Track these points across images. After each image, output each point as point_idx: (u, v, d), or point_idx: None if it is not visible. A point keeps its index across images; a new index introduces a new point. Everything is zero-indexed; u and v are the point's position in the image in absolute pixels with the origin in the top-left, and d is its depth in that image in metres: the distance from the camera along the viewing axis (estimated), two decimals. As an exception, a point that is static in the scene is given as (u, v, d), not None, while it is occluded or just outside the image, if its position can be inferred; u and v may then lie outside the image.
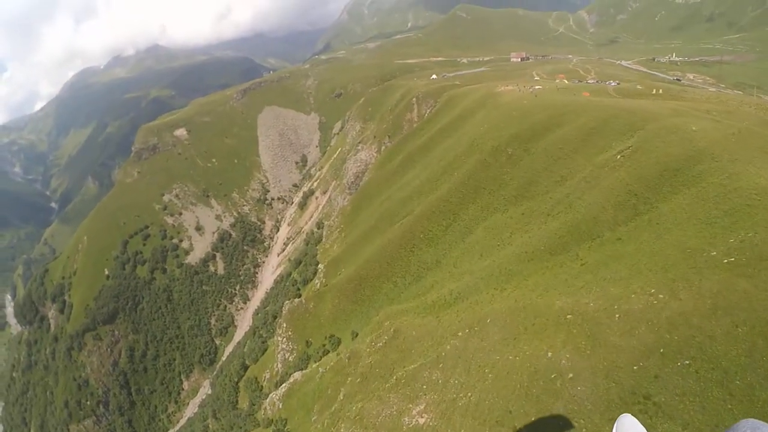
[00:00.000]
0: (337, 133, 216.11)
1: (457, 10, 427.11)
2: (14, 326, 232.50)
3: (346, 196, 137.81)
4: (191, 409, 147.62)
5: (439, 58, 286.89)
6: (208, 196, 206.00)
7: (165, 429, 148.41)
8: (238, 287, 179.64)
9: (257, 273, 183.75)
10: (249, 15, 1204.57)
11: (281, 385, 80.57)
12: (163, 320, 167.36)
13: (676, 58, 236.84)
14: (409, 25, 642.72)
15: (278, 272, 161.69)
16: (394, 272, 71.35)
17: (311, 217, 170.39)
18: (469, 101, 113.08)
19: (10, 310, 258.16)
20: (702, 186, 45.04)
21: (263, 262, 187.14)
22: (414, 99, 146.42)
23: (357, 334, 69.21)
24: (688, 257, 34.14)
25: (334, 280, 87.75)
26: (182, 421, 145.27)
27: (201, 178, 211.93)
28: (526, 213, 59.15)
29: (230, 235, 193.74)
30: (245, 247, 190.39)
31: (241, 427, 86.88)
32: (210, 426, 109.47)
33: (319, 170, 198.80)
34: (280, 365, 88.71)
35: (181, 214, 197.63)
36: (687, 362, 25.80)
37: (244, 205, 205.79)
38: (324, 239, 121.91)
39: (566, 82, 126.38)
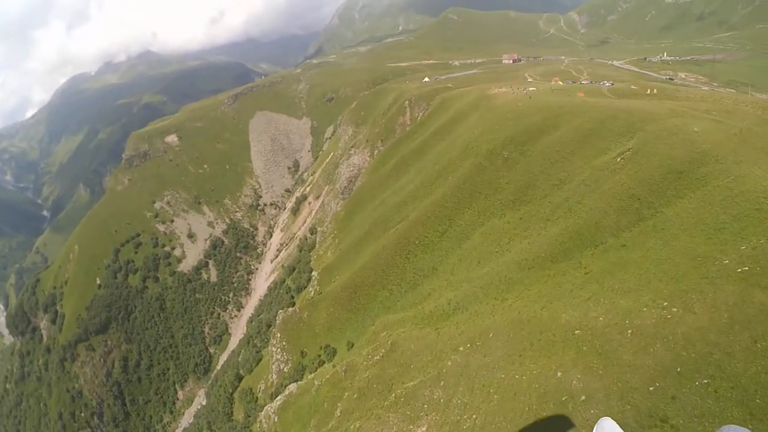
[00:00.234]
0: (330, 138, 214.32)
1: (448, 13, 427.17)
2: (7, 336, 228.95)
3: (339, 201, 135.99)
4: (187, 419, 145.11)
5: (431, 61, 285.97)
6: (199, 202, 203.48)
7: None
8: (231, 295, 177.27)
9: (251, 280, 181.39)
10: (241, 20, 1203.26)
11: (276, 397, 78.35)
12: (157, 329, 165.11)
13: (668, 58, 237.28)
14: (400, 28, 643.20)
15: (272, 279, 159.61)
16: (390, 280, 69.49)
17: (304, 222, 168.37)
18: (462, 104, 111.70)
19: (2, 320, 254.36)
20: (707, 189, 43.60)
21: (256, 269, 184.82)
22: (406, 102, 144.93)
23: (353, 345, 67.27)
24: (699, 266, 32.57)
25: (328, 287, 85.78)
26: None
27: (192, 185, 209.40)
28: (524, 218, 57.55)
29: (223, 241, 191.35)
30: (238, 254, 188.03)
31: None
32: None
33: (312, 175, 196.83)
34: (275, 376, 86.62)
35: (172, 221, 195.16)
36: (705, 381, 24.16)
37: (236, 212, 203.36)
38: (317, 245, 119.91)
39: (561, 83, 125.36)
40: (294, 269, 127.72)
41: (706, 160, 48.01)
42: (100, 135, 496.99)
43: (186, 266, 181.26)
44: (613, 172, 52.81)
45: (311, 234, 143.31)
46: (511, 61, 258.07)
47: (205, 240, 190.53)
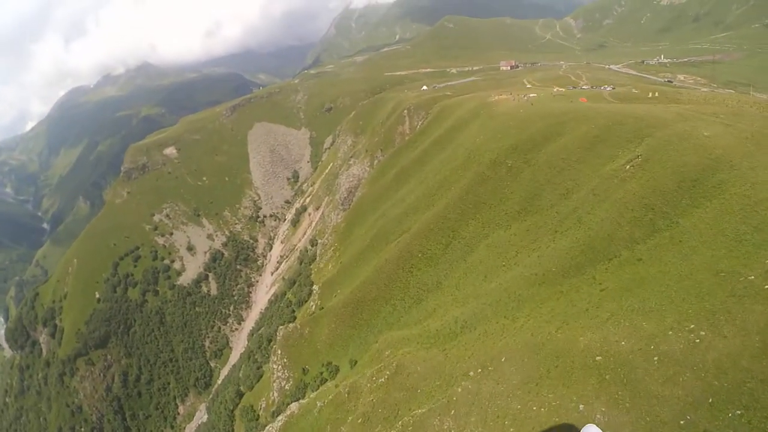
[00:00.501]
0: (329, 148, 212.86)
1: (443, 21, 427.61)
2: (7, 349, 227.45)
3: (340, 212, 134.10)
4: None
5: (429, 69, 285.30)
6: (199, 215, 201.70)
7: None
8: (232, 308, 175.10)
9: (251, 293, 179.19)
10: (238, 31, 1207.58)
11: (278, 415, 76.03)
12: (157, 343, 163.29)
13: (665, 60, 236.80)
14: (397, 37, 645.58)
15: (272, 291, 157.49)
16: (393, 294, 67.30)
17: (304, 234, 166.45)
18: (462, 112, 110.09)
19: (2, 333, 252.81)
20: (724, 198, 41.73)
21: (257, 281, 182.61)
22: (405, 111, 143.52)
23: (356, 362, 65.01)
24: (724, 282, 30.59)
25: (329, 302, 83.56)
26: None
27: (191, 197, 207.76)
28: (531, 229, 55.51)
29: (222, 254, 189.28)
30: (238, 267, 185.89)
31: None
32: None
33: (311, 186, 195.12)
34: (276, 394, 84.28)
35: (172, 234, 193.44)
36: (739, 412, 22.19)
37: (236, 224, 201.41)
38: (318, 258, 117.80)
39: (562, 90, 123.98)
40: (295, 282, 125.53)
41: (720, 167, 46.21)
42: (99, 147, 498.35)
43: (186, 279, 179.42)
44: (623, 181, 50.90)
45: (312, 246, 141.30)
46: (509, 68, 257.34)
47: (205, 253, 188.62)
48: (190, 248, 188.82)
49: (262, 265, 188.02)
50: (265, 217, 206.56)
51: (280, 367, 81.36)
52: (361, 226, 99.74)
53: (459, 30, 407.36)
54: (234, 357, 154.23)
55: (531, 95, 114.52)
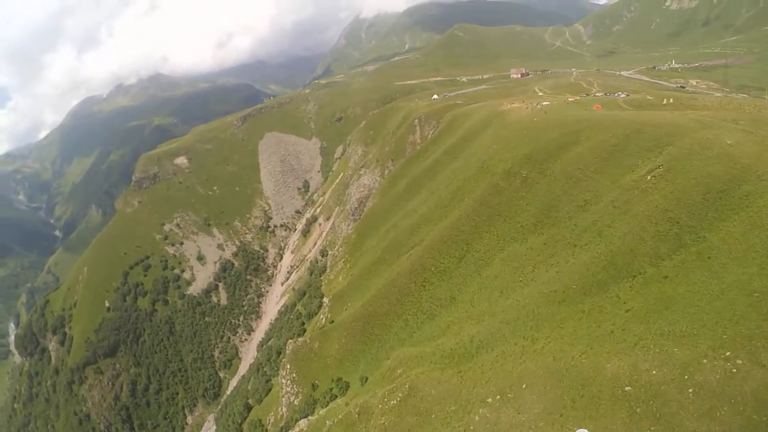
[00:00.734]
0: (339, 158, 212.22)
1: (453, 30, 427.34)
2: (17, 356, 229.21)
3: (350, 222, 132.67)
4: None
5: (439, 78, 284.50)
6: (209, 224, 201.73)
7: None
8: (241, 318, 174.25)
9: (261, 303, 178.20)
10: (249, 42, 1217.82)
11: (287, 432, 74.59)
12: (166, 353, 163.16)
13: (677, 65, 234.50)
14: (407, 46, 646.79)
15: (282, 302, 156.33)
16: (405, 309, 65.43)
17: (315, 244, 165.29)
18: (474, 121, 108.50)
19: (13, 339, 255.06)
20: (753, 210, 39.61)
21: (267, 292, 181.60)
22: (416, 120, 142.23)
23: (367, 379, 63.18)
24: (758, 304, 28.53)
25: (339, 316, 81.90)
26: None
27: (202, 207, 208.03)
28: (549, 243, 53.52)
29: (233, 264, 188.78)
30: (248, 277, 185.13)
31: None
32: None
33: (322, 196, 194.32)
34: (284, 409, 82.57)
35: (182, 243, 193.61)
36: (782, 450, 20.18)
37: (246, 234, 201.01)
38: (328, 269, 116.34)
39: (576, 98, 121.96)
40: (305, 294, 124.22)
41: (747, 177, 44.14)
42: (111, 156, 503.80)
43: (195, 289, 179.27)
44: (645, 192, 48.87)
45: (322, 256, 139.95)
46: (520, 76, 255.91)
47: (215, 262, 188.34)
48: (201, 258, 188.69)
49: (273, 276, 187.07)
50: (275, 227, 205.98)
51: (289, 381, 79.74)
52: (372, 237, 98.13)
53: (469, 38, 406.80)
54: (243, 368, 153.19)
55: (544, 103, 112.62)
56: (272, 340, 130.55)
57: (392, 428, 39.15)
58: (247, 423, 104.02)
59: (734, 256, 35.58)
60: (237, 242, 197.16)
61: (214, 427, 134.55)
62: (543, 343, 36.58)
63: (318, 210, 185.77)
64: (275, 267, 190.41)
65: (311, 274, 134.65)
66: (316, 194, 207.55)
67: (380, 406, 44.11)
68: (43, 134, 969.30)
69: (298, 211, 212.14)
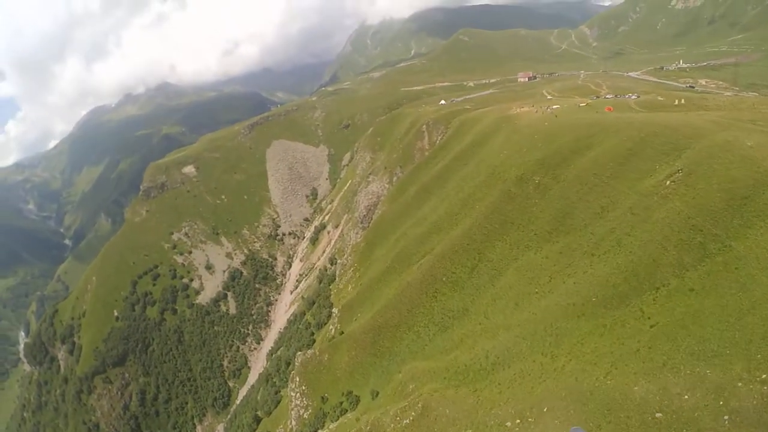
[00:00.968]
0: (347, 165, 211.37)
1: (458, 35, 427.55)
2: (27, 364, 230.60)
3: (359, 230, 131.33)
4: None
5: (445, 83, 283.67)
6: (217, 233, 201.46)
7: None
8: (250, 327, 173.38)
9: (270, 312, 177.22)
10: (255, 50, 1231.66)
11: (296, 446, 73.00)
12: (175, 362, 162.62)
13: (684, 65, 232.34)
14: (413, 52, 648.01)
15: (291, 311, 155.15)
16: (416, 321, 63.69)
17: (323, 252, 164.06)
18: (483, 125, 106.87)
19: (23, 347, 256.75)
20: (781, 217, 37.73)
21: (276, 300, 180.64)
22: (424, 126, 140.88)
23: (377, 393, 61.50)
24: (794, 320, 26.71)
25: (349, 327, 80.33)
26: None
27: (210, 216, 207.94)
28: (565, 252, 51.66)
29: (241, 273, 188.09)
30: (257, 285, 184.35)
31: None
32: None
33: (330, 203, 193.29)
34: (294, 422, 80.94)
35: (190, 252, 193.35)
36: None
37: (254, 242, 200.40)
38: (337, 278, 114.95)
39: (587, 101, 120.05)
40: (314, 303, 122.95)
41: (772, 181, 42.18)
42: (120, 165, 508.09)
43: (204, 298, 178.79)
44: (665, 198, 46.97)
45: (331, 264, 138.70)
46: (527, 79, 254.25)
47: (224, 271, 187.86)
48: (209, 267, 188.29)
49: (281, 284, 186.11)
50: (284, 235, 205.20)
51: (298, 394, 78.23)
52: (381, 246, 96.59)
53: (474, 43, 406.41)
54: (253, 377, 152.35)
55: (554, 107, 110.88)
56: (281, 349, 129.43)
57: (405, 450, 37.53)
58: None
59: (762, 266, 33.68)
60: (245, 251, 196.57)
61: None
62: (563, 360, 34.81)
63: (326, 218, 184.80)
64: (284, 275, 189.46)
65: (320, 283, 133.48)
66: (324, 202, 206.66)
67: (392, 424, 42.44)
68: (52, 144, 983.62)
69: (306, 219, 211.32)
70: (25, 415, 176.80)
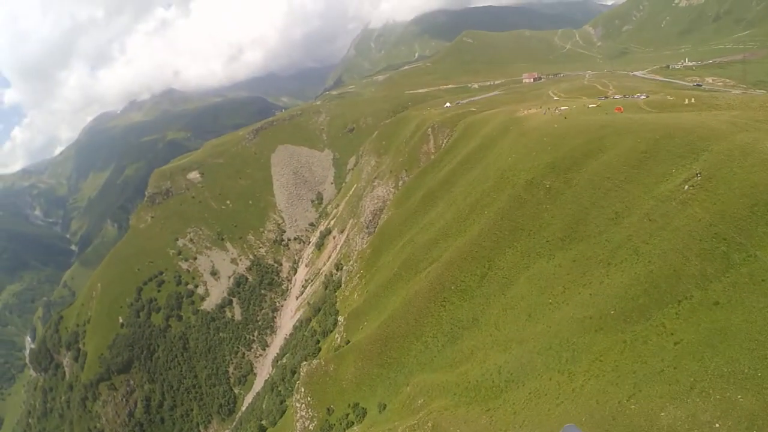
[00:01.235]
0: (352, 169, 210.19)
1: (462, 37, 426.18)
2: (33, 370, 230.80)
3: (365, 236, 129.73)
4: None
5: (450, 86, 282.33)
6: (222, 239, 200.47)
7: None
8: (256, 333, 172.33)
9: (276, 318, 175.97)
10: (260, 55, 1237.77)
11: (302, 459, 71.36)
12: (180, 369, 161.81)
13: (690, 63, 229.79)
14: (416, 55, 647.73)
15: (297, 316, 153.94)
16: (424, 331, 61.79)
17: (329, 257, 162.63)
18: (489, 128, 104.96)
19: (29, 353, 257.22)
20: (808, 225, 35.67)
21: (281, 306, 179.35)
22: (429, 129, 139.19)
23: (385, 406, 59.73)
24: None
25: (355, 336, 78.54)
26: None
27: (215, 221, 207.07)
28: (579, 260, 49.63)
29: (247, 278, 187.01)
30: (262, 291, 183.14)
31: None
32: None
33: (336, 208, 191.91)
34: (299, 434, 79.37)
35: (195, 258, 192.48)
36: None
37: (260, 247, 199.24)
38: (343, 285, 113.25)
39: (597, 103, 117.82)
40: (319, 310, 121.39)
41: (797, 187, 40.12)
42: (126, 171, 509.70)
43: (209, 304, 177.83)
44: (684, 204, 44.90)
45: (336, 270, 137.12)
46: (532, 80, 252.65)
47: (229, 277, 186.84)
48: (214, 273, 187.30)
49: (287, 290, 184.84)
50: (289, 240, 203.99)
51: (303, 405, 76.60)
52: (387, 252, 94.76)
53: (478, 44, 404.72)
54: (258, 383, 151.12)
55: (562, 108, 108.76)
56: (287, 356, 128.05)
57: (415, 472, 35.69)
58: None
59: (793, 278, 31.65)
60: (251, 256, 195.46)
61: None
62: (582, 380, 32.84)
63: (332, 222, 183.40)
64: (289, 281, 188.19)
65: (326, 289, 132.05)
66: (330, 206, 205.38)
67: (401, 444, 40.70)
68: (58, 150, 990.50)
69: (311, 224, 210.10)
70: (30, 421, 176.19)
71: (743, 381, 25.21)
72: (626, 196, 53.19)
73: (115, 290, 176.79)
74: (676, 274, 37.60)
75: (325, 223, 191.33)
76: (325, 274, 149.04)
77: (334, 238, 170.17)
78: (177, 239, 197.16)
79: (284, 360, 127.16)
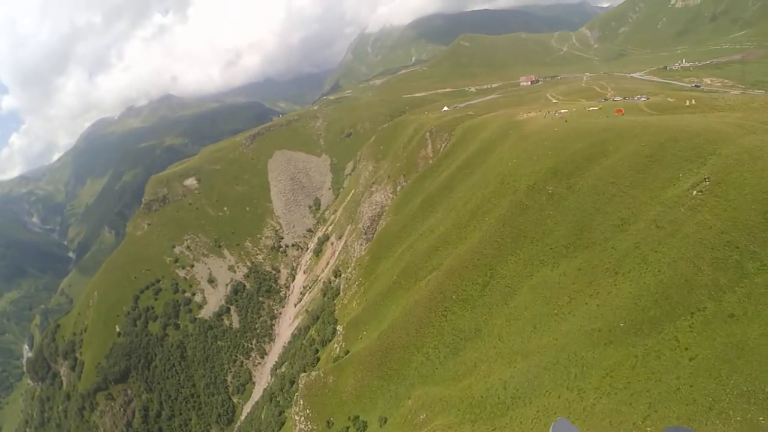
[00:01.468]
0: (350, 174, 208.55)
1: (459, 40, 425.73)
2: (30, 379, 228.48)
3: (363, 241, 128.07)
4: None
5: (447, 89, 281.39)
6: (220, 246, 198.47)
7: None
8: (254, 341, 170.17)
9: (274, 325, 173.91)
10: (257, 60, 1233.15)
11: (301, 473, 69.58)
12: (178, 378, 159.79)
13: (688, 64, 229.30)
14: (413, 59, 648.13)
15: (295, 324, 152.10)
16: (425, 342, 60.10)
17: (327, 264, 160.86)
18: (488, 132, 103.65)
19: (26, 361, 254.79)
20: (825, 232, 34.23)
21: (279, 314, 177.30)
22: (427, 133, 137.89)
23: (386, 420, 58.03)
24: None
25: (355, 346, 76.81)
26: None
27: (212, 228, 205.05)
28: (584, 269, 48.09)
29: (244, 286, 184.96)
30: (260, 299, 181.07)
31: None
32: None
33: (333, 214, 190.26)
34: (299, 446, 77.54)
35: (192, 266, 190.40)
36: None
37: (257, 254, 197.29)
38: (342, 293, 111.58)
39: (600, 107, 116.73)
40: (318, 318, 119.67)
41: (810, 192, 38.73)
42: (124, 177, 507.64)
43: (207, 312, 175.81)
44: (693, 210, 43.46)
45: (335, 277, 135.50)
46: (530, 83, 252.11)
47: (227, 285, 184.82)
48: (212, 280, 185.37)
49: (285, 297, 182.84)
50: (287, 246, 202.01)
51: (302, 418, 74.81)
52: (386, 259, 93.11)
53: (475, 48, 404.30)
54: (257, 392, 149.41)
55: (562, 111, 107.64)
56: (285, 365, 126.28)
57: (419, 495, 34.05)
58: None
59: (812, 288, 30.19)
60: (248, 263, 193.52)
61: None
62: (592, 398, 31.24)
63: (330, 228, 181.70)
64: (288, 288, 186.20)
65: (324, 296, 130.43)
66: (328, 212, 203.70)
67: (403, 462, 39.04)
68: (56, 156, 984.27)
69: (309, 230, 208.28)
70: (28, 430, 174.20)
71: (765, 401, 23.70)
72: (632, 202, 51.76)
73: (112, 298, 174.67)
74: (688, 285, 36.09)
75: (323, 230, 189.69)
76: (324, 281, 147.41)
77: (332, 244, 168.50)
78: (174, 246, 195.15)
79: (283, 369, 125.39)
